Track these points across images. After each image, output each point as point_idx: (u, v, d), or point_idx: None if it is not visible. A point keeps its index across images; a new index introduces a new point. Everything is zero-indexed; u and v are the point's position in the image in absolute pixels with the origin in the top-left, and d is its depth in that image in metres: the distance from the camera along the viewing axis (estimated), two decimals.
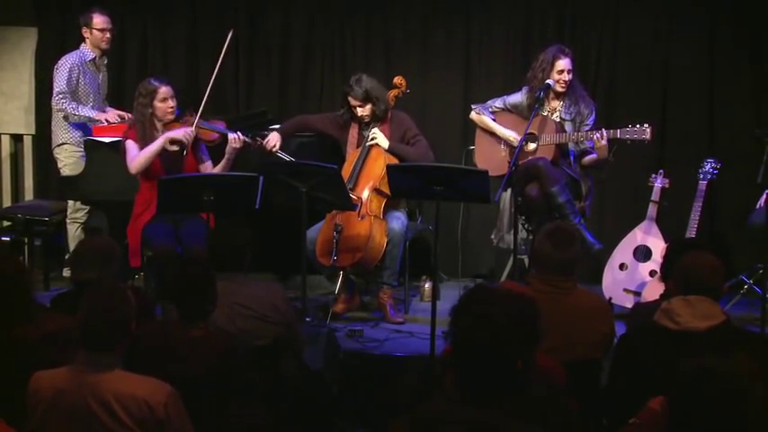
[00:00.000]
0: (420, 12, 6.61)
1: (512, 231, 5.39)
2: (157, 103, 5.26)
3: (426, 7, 6.61)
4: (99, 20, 6.01)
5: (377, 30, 6.67)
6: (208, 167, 5.40)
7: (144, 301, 3.79)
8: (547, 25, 6.47)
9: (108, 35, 6.06)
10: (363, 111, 5.45)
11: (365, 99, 5.42)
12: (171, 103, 5.29)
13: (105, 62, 6.22)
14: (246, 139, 5.34)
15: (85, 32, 6.02)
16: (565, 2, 6.48)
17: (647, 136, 5.24)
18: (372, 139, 5.43)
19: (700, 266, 3.22)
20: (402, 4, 6.64)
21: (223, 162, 5.35)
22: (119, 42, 6.45)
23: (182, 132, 5.21)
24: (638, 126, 5.24)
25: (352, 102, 5.44)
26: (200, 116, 5.31)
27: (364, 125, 5.54)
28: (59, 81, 5.92)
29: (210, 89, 5.40)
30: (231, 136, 5.31)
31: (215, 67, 5.44)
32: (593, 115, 5.53)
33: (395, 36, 6.64)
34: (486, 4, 6.55)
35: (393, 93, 5.59)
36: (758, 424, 2.20)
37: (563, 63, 5.43)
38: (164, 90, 5.27)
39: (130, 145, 5.26)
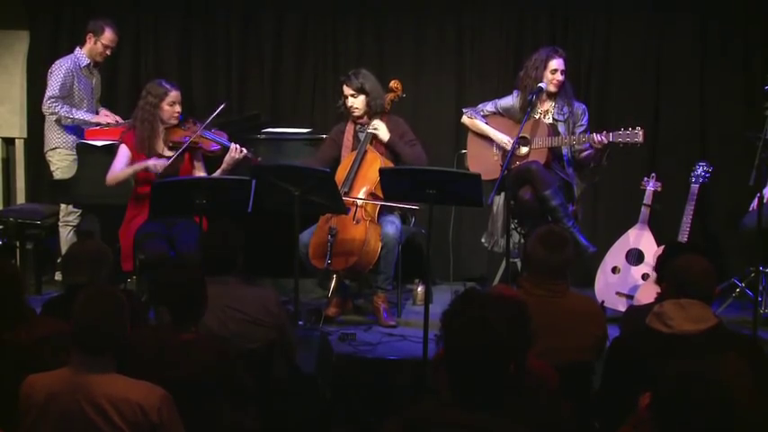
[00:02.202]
0: (412, 14, 6.61)
1: (505, 235, 5.40)
2: (165, 106, 5.27)
3: (418, 10, 6.61)
4: (109, 36, 5.97)
5: (369, 32, 6.68)
6: (200, 170, 5.40)
7: (136, 304, 3.79)
8: (539, 28, 6.48)
9: (108, 52, 6.05)
10: (355, 102, 5.45)
11: (358, 90, 5.43)
12: (178, 108, 5.32)
13: (99, 67, 6.20)
14: (248, 154, 5.33)
15: (89, 39, 5.99)
16: (557, 5, 6.49)
17: (640, 139, 5.25)
18: (374, 129, 5.43)
19: (692, 270, 3.22)
20: (394, 7, 6.64)
21: (218, 171, 5.34)
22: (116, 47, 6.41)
23: (151, 162, 5.16)
24: (630, 129, 5.26)
25: (346, 90, 5.46)
26: (205, 127, 5.31)
27: (360, 127, 5.54)
28: (53, 85, 5.90)
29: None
30: (233, 146, 5.30)
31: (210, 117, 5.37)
32: (587, 115, 5.55)
33: (387, 39, 6.65)
34: (479, 6, 6.56)
35: (389, 96, 5.58)
36: (745, 426, 2.21)
37: (556, 63, 5.45)
38: (174, 94, 5.30)
39: (121, 152, 5.28)
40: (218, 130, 5.51)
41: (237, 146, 5.30)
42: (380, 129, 5.45)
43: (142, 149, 5.28)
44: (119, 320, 2.90)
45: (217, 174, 5.32)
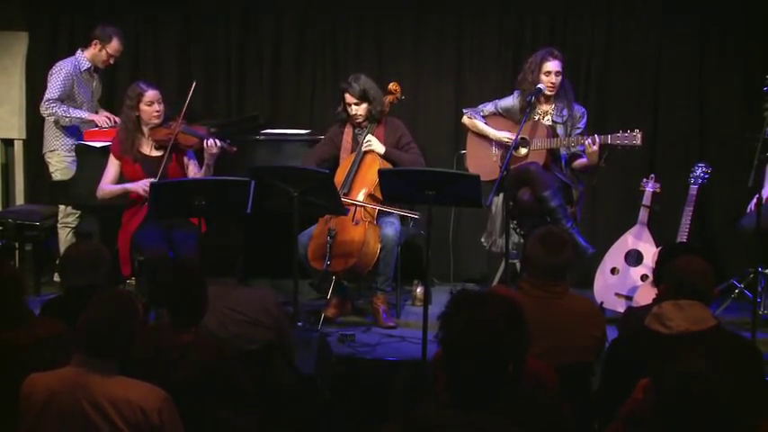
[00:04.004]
0: (411, 15, 6.61)
1: (504, 235, 5.40)
2: (143, 107, 5.27)
3: (417, 11, 6.61)
4: (116, 45, 5.99)
5: (368, 33, 6.68)
6: (192, 166, 5.38)
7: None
8: (538, 29, 6.48)
9: (111, 61, 6.06)
10: (358, 110, 5.45)
11: (362, 98, 5.43)
12: (157, 107, 5.29)
13: (100, 72, 6.19)
14: (223, 145, 5.32)
15: (95, 45, 5.98)
16: (556, 6, 6.50)
17: (638, 141, 5.25)
18: (368, 144, 5.44)
19: (690, 271, 3.23)
20: (394, 8, 6.64)
21: (204, 169, 5.34)
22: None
23: (140, 186, 5.17)
24: (628, 132, 5.25)
25: (348, 99, 5.45)
26: (182, 121, 5.29)
27: (358, 129, 5.55)
28: (53, 88, 5.90)
29: (193, 93, 5.39)
30: (207, 142, 5.29)
31: (183, 109, 5.34)
32: (585, 118, 5.55)
33: (387, 40, 6.65)
34: (478, 7, 6.56)
35: (388, 99, 5.59)
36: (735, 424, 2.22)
37: (550, 65, 5.44)
38: (150, 94, 5.28)
39: (110, 163, 5.31)
40: (198, 126, 5.52)
41: (212, 141, 5.28)
42: (374, 144, 5.44)
43: (126, 152, 5.29)
44: (129, 325, 2.90)
45: (202, 171, 5.33)
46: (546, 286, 3.56)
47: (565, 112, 5.52)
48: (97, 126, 5.96)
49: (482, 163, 5.60)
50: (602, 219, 6.42)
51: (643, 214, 5.56)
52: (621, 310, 5.14)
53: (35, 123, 6.53)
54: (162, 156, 5.25)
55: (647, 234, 5.54)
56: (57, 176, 6.03)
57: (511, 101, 5.64)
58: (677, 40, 6.37)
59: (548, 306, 3.49)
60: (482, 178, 4.72)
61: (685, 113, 6.37)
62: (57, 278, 6.08)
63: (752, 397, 2.51)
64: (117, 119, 6.00)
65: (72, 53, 6.08)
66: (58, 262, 5.84)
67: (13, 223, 6.05)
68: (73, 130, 6.01)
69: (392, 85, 5.64)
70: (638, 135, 5.24)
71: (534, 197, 5.33)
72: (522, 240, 5.67)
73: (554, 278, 3.58)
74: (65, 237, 6.10)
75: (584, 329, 3.58)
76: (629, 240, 5.57)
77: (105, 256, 3.81)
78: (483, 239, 5.88)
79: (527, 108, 5.40)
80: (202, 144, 5.32)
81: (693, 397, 2.19)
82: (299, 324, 4.99)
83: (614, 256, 5.59)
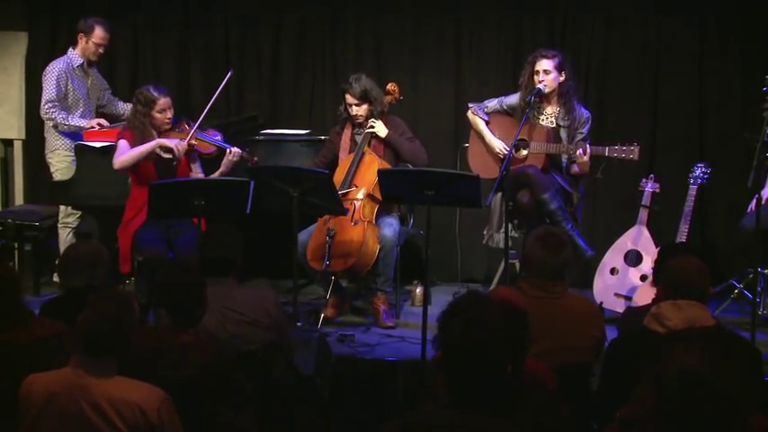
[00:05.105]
0: (410, 15, 6.61)
1: (501, 230, 5.39)
2: (156, 114, 5.27)
3: (417, 11, 6.60)
4: (99, 34, 5.96)
5: (367, 33, 6.67)
6: (198, 172, 5.40)
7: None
8: (538, 29, 6.48)
9: (101, 50, 6.05)
10: (359, 110, 5.46)
11: (362, 98, 5.43)
12: (169, 114, 5.31)
13: (96, 67, 6.18)
14: (243, 154, 5.33)
15: (81, 39, 5.98)
16: (556, 6, 6.49)
17: (635, 156, 5.24)
18: (371, 127, 5.43)
19: (685, 270, 3.24)
20: (393, 8, 6.64)
21: (216, 174, 5.34)
22: (109, 45, 6.40)
23: (174, 143, 5.21)
24: (626, 145, 5.24)
25: (349, 99, 5.46)
26: (198, 128, 5.31)
27: (357, 129, 5.55)
28: (48, 89, 5.89)
29: (209, 105, 5.42)
30: (230, 150, 5.30)
31: (212, 97, 5.44)
32: (589, 124, 5.50)
33: (386, 40, 6.65)
34: (477, 7, 6.56)
35: (386, 99, 5.59)
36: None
37: (540, 64, 5.42)
38: (163, 101, 5.28)
39: (123, 144, 5.24)
40: (212, 129, 5.52)
41: (234, 149, 5.30)
42: (378, 126, 5.45)
43: None
44: (127, 324, 2.91)
45: (215, 177, 5.32)
46: (545, 286, 3.56)
47: (568, 115, 5.46)
48: (98, 126, 5.95)
49: (483, 160, 5.59)
50: (601, 219, 6.42)
51: (642, 214, 5.56)
52: (621, 310, 5.14)
53: (34, 124, 6.52)
54: (172, 158, 5.25)
55: (646, 234, 5.53)
56: (57, 176, 6.02)
57: (516, 99, 5.62)
58: (677, 40, 6.37)
59: (547, 306, 3.49)
60: (483, 176, 4.72)
61: (685, 113, 6.36)
62: (56, 278, 6.08)
63: (750, 397, 2.52)
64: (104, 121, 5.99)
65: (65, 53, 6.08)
66: (57, 262, 5.85)
67: (13, 223, 6.06)
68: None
69: (390, 86, 5.65)
70: (636, 149, 5.22)
71: (533, 200, 5.32)
72: (521, 234, 5.66)
73: (553, 278, 3.58)
74: (65, 237, 6.10)
75: (584, 329, 3.58)
76: (628, 241, 5.57)
77: (104, 257, 3.82)
78: (485, 232, 5.87)
79: (527, 108, 5.39)
80: (220, 151, 5.32)
81: (691, 396, 2.19)
82: (299, 324, 4.99)
83: (614, 256, 5.58)
